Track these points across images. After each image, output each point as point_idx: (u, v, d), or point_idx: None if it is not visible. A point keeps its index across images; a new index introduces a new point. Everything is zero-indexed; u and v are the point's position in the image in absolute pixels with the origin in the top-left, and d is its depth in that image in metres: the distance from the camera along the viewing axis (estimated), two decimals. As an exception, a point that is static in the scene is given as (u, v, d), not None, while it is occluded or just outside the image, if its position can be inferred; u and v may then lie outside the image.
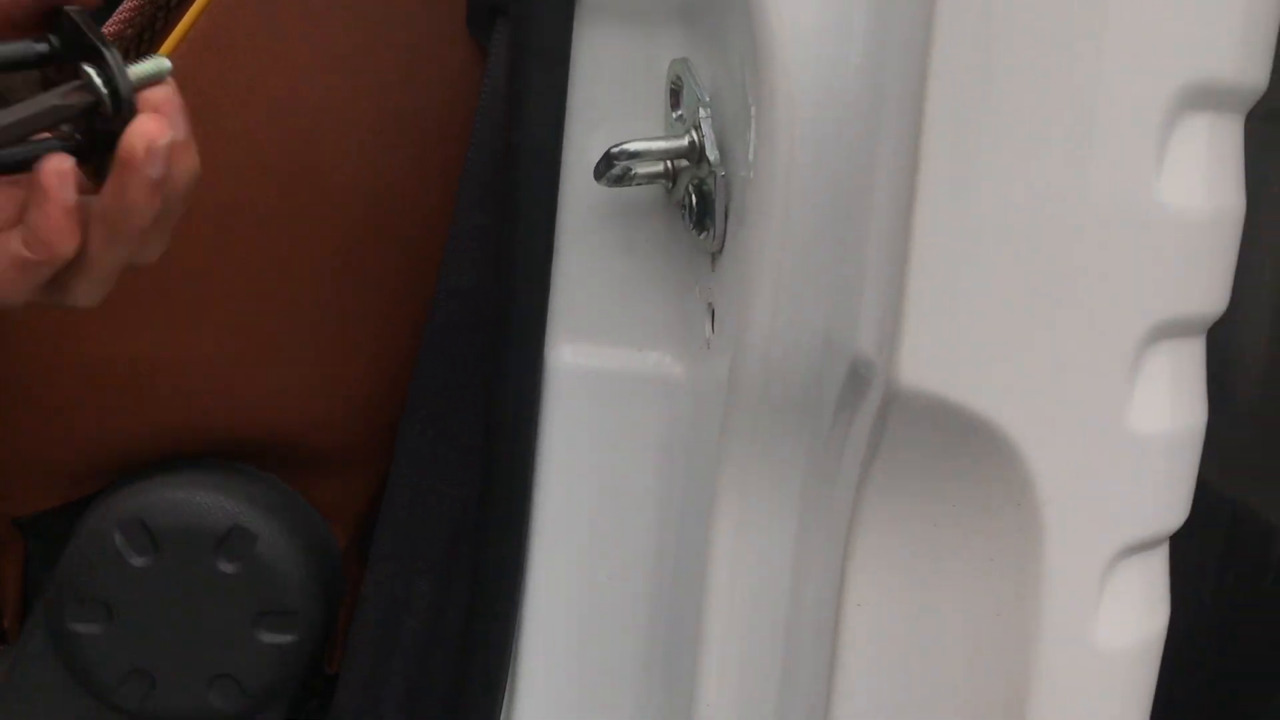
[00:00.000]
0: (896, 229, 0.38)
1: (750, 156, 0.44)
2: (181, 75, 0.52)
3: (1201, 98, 0.39)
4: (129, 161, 0.38)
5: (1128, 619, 0.43)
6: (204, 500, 0.59)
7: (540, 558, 0.52)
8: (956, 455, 0.40)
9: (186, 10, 0.54)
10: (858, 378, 0.41)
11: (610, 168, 0.47)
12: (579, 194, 0.51)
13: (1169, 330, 0.41)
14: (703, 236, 0.47)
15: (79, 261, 0.39)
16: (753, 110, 0.43)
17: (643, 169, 0.47)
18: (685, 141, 0.46)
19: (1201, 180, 0.40)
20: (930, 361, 0.38)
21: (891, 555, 0.42)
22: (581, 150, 0.50)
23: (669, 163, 0.47)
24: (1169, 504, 0.43)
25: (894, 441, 0.40)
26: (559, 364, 0.52)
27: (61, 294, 0.41)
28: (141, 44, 0.55)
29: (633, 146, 0.47)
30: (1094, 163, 0.38)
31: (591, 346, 0.51)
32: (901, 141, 0.38)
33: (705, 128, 0.46)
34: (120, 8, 0.54)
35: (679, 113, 0.48)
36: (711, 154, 0.46)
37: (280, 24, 0.55)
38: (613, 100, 0.50)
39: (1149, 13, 0.38)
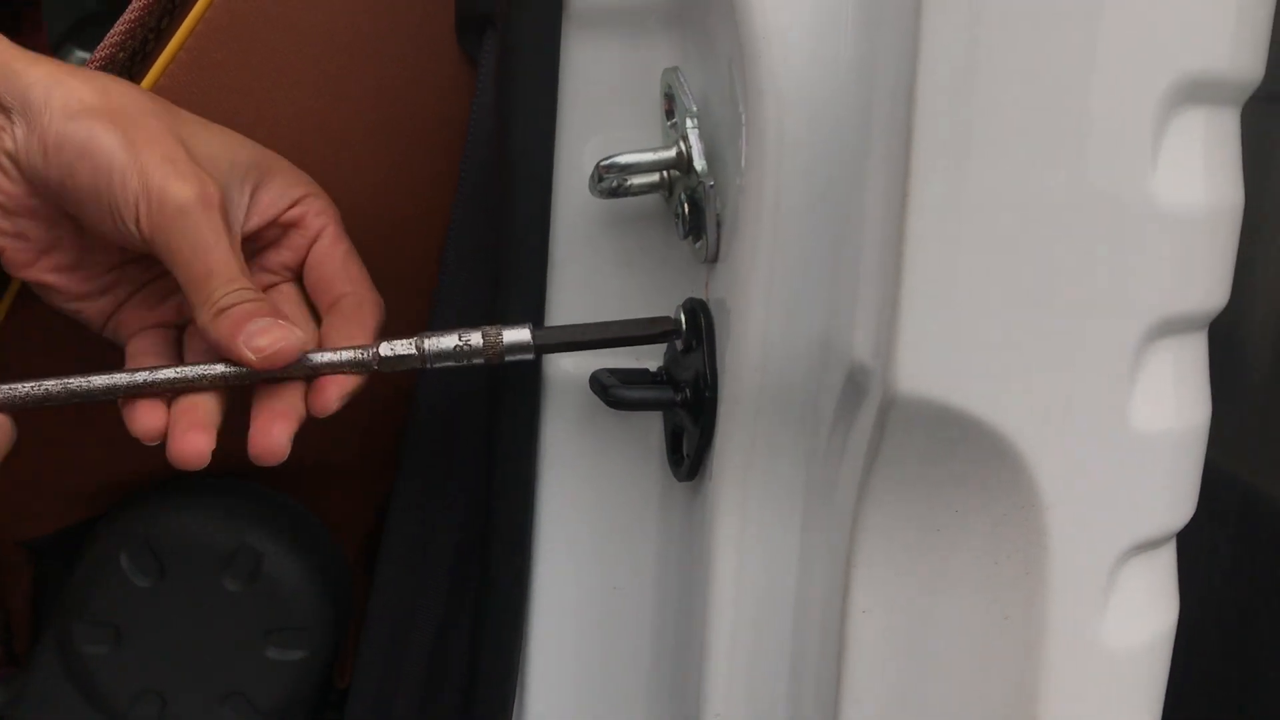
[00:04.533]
0: (889, 233, 0.38)
1: (741, 163, 0.43)
2: (170, 95, 0.53)
3: (1196, 91, 0.38)
4: None
5: (1136, 618, 0.43)
6: (209, 520, 0.59)
7: (544, 570, 0.52)
8: (957, 459, 0.39)
9: (175, 32, 0.54)
10: (855, 384, 0.41)
11: (601, 180, 0.47)
12: (573, 204, 0.51)
13: (1169, 327, 0.40)
14: (697, 245, 0.47)
15: None
16: (742, 116, 0.43)
17: (637, 180, 0.47)
18: (674, 152, 0.46)
19: (1198, 175, 0.39)
20: (927, 366, 0.38)
21: (895, 560, 0.41)
22: (574, 161, 0.50)
23: (664, 173, 0.47)
24: (1175, 501, 0.43)
25: (893, 447, 0.39)
26: (558, 374, 0.52)
27: None
28: (133, 66, 0.54)
29: (622, 160, 0.47)
30: (1088, 160, 0.37)
31: (589, 355, 0.51)
32: (892, 143, 0.38)
33: (692, 138, 0.45)
34: (110, 32, 0.54)
35: (673, 121, 0.47)
36: (699, 163, 0.45)
37: (268, 41, 0.55)
38: (604, 110, 0.50)
39: (1140, 6, 0.37)
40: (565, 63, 0.49)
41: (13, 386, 0.47)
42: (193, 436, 0.47)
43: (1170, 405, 0.41)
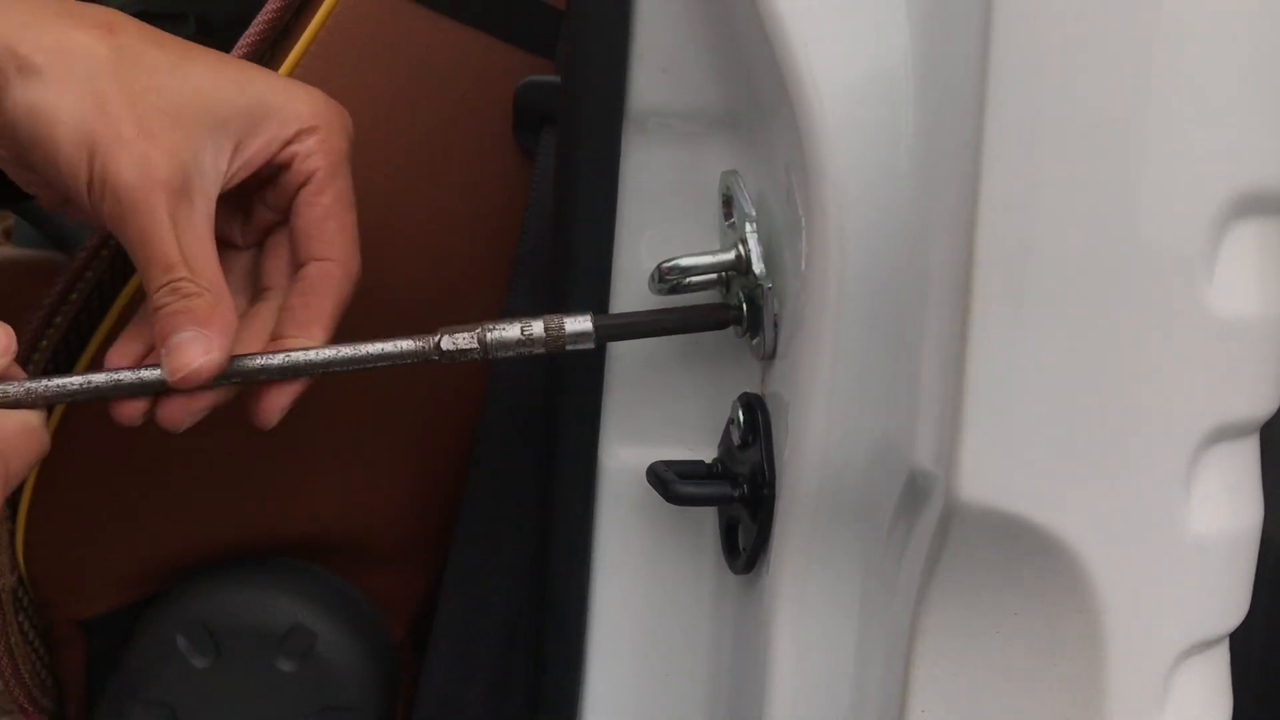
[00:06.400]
0: (952, 342, 0.39)
1: (801, 265, 0.44)
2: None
3: (1251, 205, 0.39)
4: None
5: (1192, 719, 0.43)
6: (265, 600, 0.59)
7: (597, 660, 0.53)
8: (1018, 564, 0.40)
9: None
10: (916, 488, 0.41)
11: (662, 280, 0.48)
12: (629, 297, 0.52)
13: (1223, 433, 0.41)
14: (754, 342, 0.48)
15: None
16: (802, 220, 0.44)
17: (696, 278, 0.48)
18: (733, 255, 0.47)
19: (1253, 286, 0.40)
20: (991, 475, 0.39)
21: (954, 661, 0.42)
22: (631, 255, 0.51)
23: (721, 272, 0.48)
24: (1230, 603, 0.43)
25: (955, 552, 0.40)
26: (612, 465, 0.53)
27: None
28: None
29: (684, 262, 0.48)
30: (1145, 274, 0.38)
31: (645, 448, 0.52)
32: (954, 255, 0.39)
33: (751, 241, 0.47)
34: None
35: (730, 222, 0.49)
36: (757, 267, 0.46)
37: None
38: (659, 204, 0.51)
39: (1194, 123, 0.38)
40: (623, 161, 0.51)
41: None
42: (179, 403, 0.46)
43: (1225, 508, 0.42)
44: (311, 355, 0.47)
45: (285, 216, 0.50)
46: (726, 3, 0.48)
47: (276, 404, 0.48)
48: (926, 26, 0.42)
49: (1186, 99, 0.38)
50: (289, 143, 0.49)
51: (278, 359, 0.47)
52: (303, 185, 0.49)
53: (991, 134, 0.38)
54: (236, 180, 0.49)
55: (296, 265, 0.50)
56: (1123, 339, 0.38)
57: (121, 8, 0.50)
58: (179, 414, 0.47)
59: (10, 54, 0.45)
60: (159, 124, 0.46)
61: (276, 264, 0.51)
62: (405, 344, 0.47)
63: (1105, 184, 0.38)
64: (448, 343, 0.47)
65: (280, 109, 0.49)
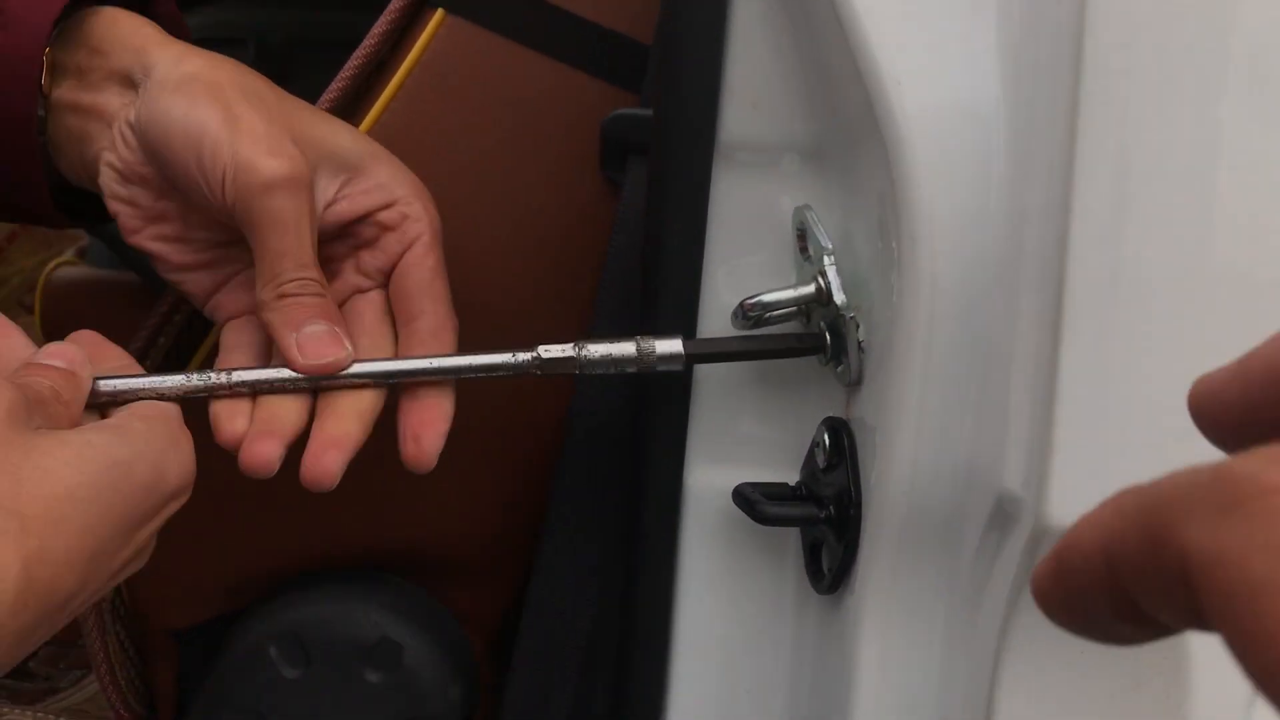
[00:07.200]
0: (1042, 367, 0.40)
1: (892, 296, 0.46)
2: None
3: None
4: None
5: (1275, 743, 0.44)
6: (354, 612, 0.61)
7: (680, 681, 0.54)
8: (1104, 589, 0.41)
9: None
10: (1003, 512, 0.43)
11: (745, 317, 0.49)
12: (712, 327, 0.53)
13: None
14: (839, 369, 0.49)
15: None
16: (895, 252, 0.45)
17: (777, 312, 0.50)
18: (812, 288, 0.49)
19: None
20: (1078, 499, 0.40)
21: (1039, 684, 0.43)
22: (711, 287, 0.53)
23: (802, 304, 0.50)
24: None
25: (1042, 575, 0.41)
26: (697, 485, 0.54)
27: None
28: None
29: (766, 298, 0.49)
30: (1232, 301, 0.40)
31: (728, 469, 0.53)
32: (1044, 279, 0.40)
33: (830, 273, 0.48)
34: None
35: (807, 256, 0.50)
36: (838, 297, 0.48)
37: (431, 147, 0.58)
38: (737, 237, 0.53)
39: (1275, 161, 0.39)
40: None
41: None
42: (261, 445, 0.47)
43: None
44: (421, 364, 0.49)
45: (385, 279, 0.53)
46: (818, 40, 0.49)
47: (432, 447, 0.49)
48: (1017, 62, 0.44)
49: (1271, 130, 0.39)
50: (394, 203, 0.51)
51: (389, 365, 0.49)
52: (409, 247, 0.52)
53: (1082, 166, 0.39)
54: (339, 217, 0.51)
55: (405, 320, 0.52)
56: (1210, 365, 0.39)
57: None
58: (332, 464, 0.47)
59: (144, 60, 0.49)
60: (284, 134, 0.49)
61: (357, 326, 0.52)
62: (507, 356, 0.49)
63: (1192, 212, 0.39)
64: (546, 353, 0.49)
65: (392, 168, 0.52)
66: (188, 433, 0.46)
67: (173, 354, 0.61)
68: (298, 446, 0.49)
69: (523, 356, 0.49)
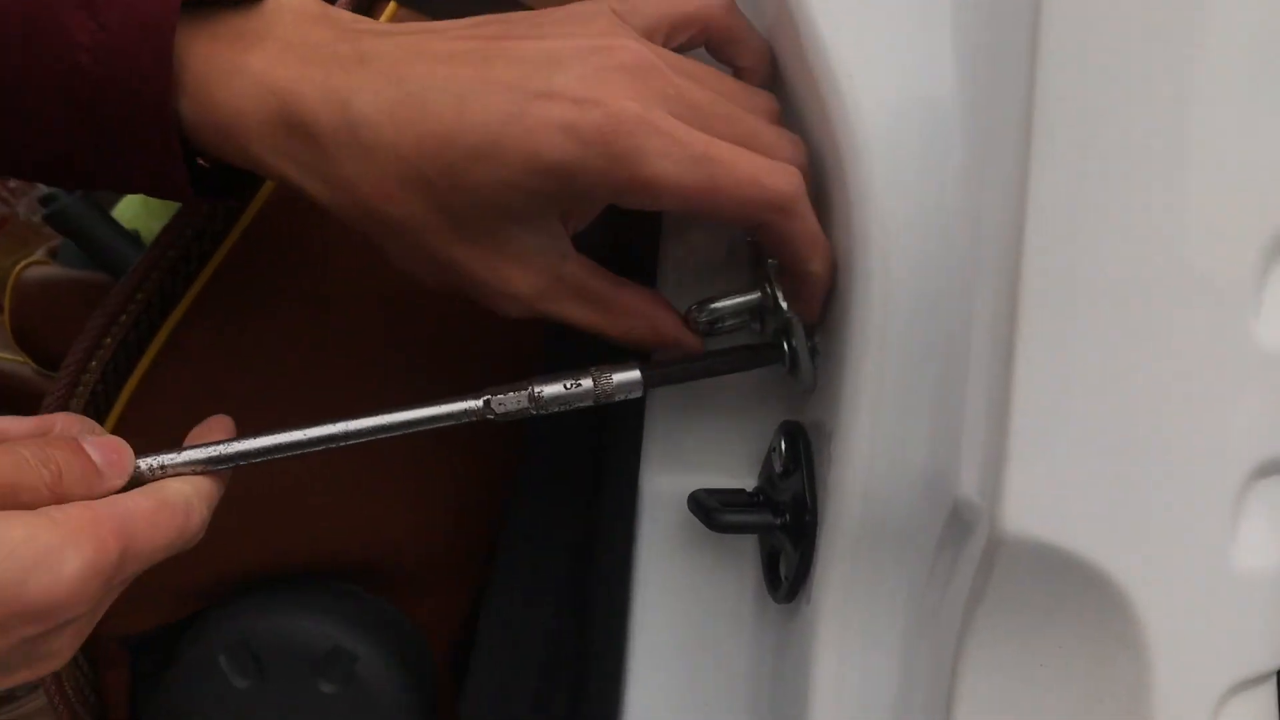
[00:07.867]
0: (998, 374, 0.39)
1: (845, 300, 0.45)
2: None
3: (1297, 238, 0.39)
4: None
5: (1238, 756, 0.43)
6: (306, 621, 0.60)
7: (637, 687, 0.53)
8: (1063, 598, 0.40)
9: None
10: (960, 520, 0.41)
11: (693, 324, 0.48)
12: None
13: (1270, 468, 0.41)
14: (796, 374, 0.48)
15: None
16: (847, 254, 0.44)
17: (729, 321, 0.49)
18: (757, 294, 0.48)
19: (1301, 320, 0.40)
20: (1035, 507, 0.38)
21: (998, 695, 0.42)
22: (666, 290, 0.52)
23: (752, 310, 0.49)
24: (1277, 639, 0.43)
25: (1000, 584, 0.40)
26: (653, 492, 0.53)
27: None
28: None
29: (714, 305, 0.49)
30: (1192, 307, 0.38)
31: (685, 475, 0.52)
32: (1000, 290, 0.39)
33: (776, 281, 0.47)
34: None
35: (759, 257, 0.49)
36: (784, 302, 0.47)
37: None
38: (692, 241, 0.52)
39: (1242, 156, 0.38)
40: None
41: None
42: None
43: (1272, 544, 0.42)
44: (362, 424, 0.48)
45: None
46: (768, 34, 0.48)
47: None
48: (972, 56, 0.42)
49: (1235, 131, 0.38)
50: None
51: (333, 429, 0.48)
52: None
53: (1037, 165, 0.38)
54: None
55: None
56: (1169, 372, 0.38)
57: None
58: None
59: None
60: None
61: None
62: (456, 406, 0.47)
63: (1152, 216, 0.38)
64: (497, 404, 0.47)
65: None
66: (98, 548, 0.42)
67: (119, 354, 0.59)
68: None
69: (473, 404, 0.47)
